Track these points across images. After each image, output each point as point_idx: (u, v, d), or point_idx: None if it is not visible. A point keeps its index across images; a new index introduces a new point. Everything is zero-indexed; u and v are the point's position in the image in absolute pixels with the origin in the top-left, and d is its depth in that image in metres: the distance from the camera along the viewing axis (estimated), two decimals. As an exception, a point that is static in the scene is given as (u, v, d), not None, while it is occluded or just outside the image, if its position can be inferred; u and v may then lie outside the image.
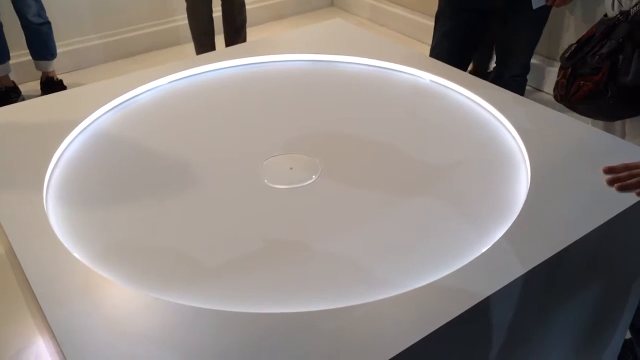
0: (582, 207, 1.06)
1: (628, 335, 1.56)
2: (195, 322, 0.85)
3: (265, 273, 0.96)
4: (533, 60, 2.87)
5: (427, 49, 3.43)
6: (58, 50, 3.13)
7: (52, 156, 1.23)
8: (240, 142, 1.32)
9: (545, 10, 2.04)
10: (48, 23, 2.97)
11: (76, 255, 0.98)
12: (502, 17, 2.14)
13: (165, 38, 3.67)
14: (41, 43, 2.98)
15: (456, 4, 2.12)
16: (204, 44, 3.06)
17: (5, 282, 1.41)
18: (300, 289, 0.93)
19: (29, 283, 0.92)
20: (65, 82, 3.14)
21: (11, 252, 1.03)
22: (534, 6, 1.95)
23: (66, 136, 1.29)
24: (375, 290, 0.91)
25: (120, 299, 0.90)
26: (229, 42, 3.16)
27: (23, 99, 3.03)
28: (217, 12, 3.11)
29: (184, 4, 3.04)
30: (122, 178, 1.20)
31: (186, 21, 3.12)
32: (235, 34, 3.14)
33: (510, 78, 2.21)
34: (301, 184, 1.17)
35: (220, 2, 3.09)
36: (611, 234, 1.08)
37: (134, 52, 3.59)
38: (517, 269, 0.92)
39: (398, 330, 0.83)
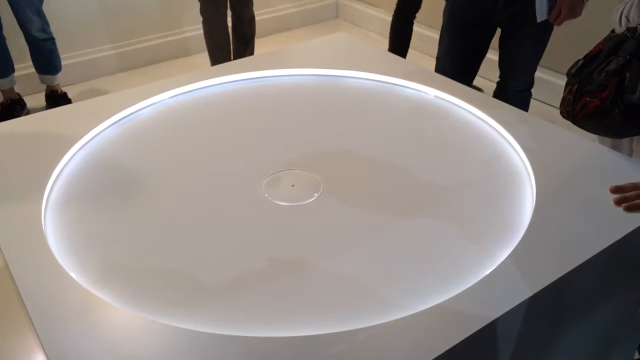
0: (589, 228, 1.04)
1: (637, 356, 1.53)
2: (193, 346, 0.83)
3: (266, 294, 0.94)
4: (544, 75, 2.84)
5: (431, 62, 3.43)
6: (67, 62, 3.13)
7: (52, 172, 1.21)
8: (242, 158, 1.30)
9: (547, 26, 2.02)
10: (52, 39, 2.97)
11: (73, 275, 0.96)
12: (504, 32, 2.12)
13: (174, 49, 3.68)
14: (45, 59, 2.99)
15: (457, 19, 2.11)
16: (218, 56, 3.06)
17: (7, 295, 1.40)
18: (302, 312, 0.91)
19: (23, 303, 0.91)
20: (73, 94, 3.15)
21: (8, 270, 1.01)
22: (538, 19, 1.93)
23: (66, 152, 1.28)
24: (377, 313, 0.89)
25: (117, 321, 0.88)
26: (237, 54, 3.16)
27: (28, 112, 3.04)
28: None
29: (192, 16, 3.04)
30: (122, 195, 1.19)
31: (195, 32, 3.12)
32: (244, 47, 3.13)
33: (514, 93, 2.19)
34: (303, 202, 1.15)
35: (230, 14, 3.09)
36: (619, 255, 1.05)
37: (142, 63, 3.59)
38: (522, 292, 0.90)
39: (402, 356, 0.81)
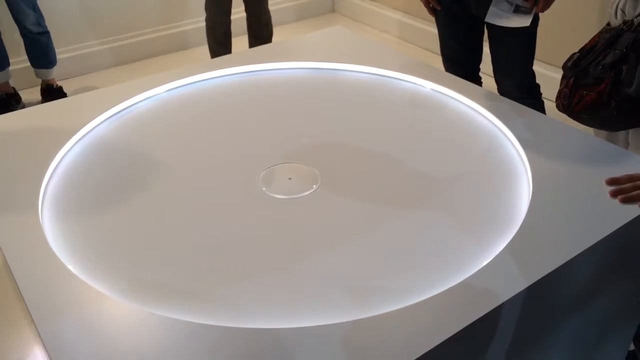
0: (584, 220, 1.04)
1: (632, 347, 1.54)
2: (191, 338, 0.83)
3: (263, 286, 0.95)
4: (540, 69, 2.80)
5: (428, 55, 3.44)
6: (62, 56, 3.11)
7: (48, 166, 1.21)
8: (239, 151, 1.30)
9: (528, 30, 1.85)
10: (47, 33, 2.95)
11: (70, 267, 0.96)
12: (488, 31, 1.99)
13: (171, 43, 3.66)
14: (40, 52, 2.98)
15: (444, 11, 2.03)
16: (218, 52, 3.05)
17: (5, 289, 1.40)
18: (299, 303, 0.92)
19: (22, 296, 0.91)
20: (68, 88, 3.13)
21: (6, 263, 1.01)
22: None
23: (63, 145, 1.28)
24: (373, 304, 0.90)
25: (115, 313, 0.88)
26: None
27: (24, 106, 3.03)
28: (239, 14, 3.07)
29: (190, 9, 3.02)
30: (119, 188, 1.19)
31: (192, 26, 3.10)
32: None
33: (513, 99, 2.06)
34: (300, 195, 1.15)
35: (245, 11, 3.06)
36: (615, 247, 1.06)
37: (139, 57, 3.57)
38: (519, 284, 0.91)
39: (398, 347, 0.82)
